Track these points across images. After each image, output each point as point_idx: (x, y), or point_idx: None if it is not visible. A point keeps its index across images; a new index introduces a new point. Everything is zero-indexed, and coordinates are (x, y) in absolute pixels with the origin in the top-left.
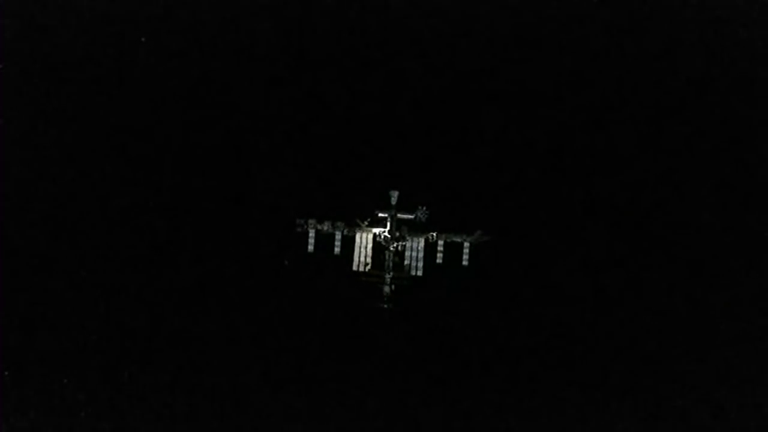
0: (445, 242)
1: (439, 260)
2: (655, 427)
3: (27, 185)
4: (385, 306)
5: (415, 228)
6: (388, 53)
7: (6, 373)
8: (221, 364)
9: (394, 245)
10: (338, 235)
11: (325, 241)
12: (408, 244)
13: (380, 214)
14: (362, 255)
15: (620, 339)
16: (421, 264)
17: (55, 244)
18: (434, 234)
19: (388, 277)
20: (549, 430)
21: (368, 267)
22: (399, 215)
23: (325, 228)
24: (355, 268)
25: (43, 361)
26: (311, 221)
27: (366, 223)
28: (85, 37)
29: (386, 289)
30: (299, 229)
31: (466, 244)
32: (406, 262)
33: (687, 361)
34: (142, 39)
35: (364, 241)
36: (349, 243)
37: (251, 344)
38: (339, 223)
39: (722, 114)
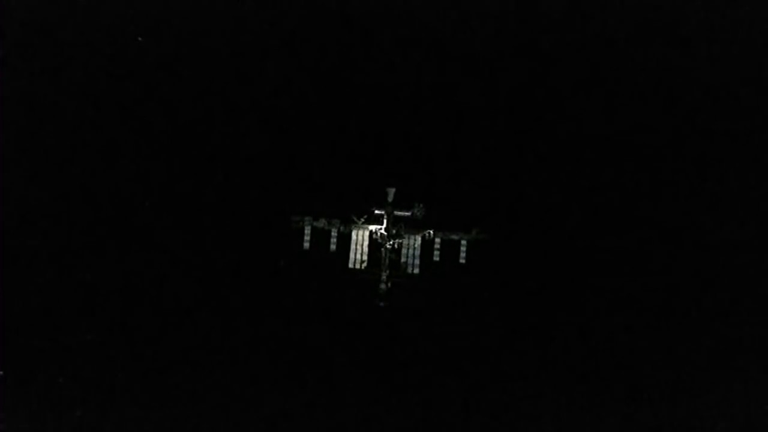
0: (442, 240)
1: (436, 258)
2: (654, 425)
3: (27, 185)
4: (382, 304)
5: (412, 225)
6: (385, 51)
7: (1, 372)
8: (217, 361)
9: (391, 243)
10: (334, 232)
11: (320, 238)
12: (405, 242)
13: (377, 212)
14: (358, 252)
15: (617, 336)
16: (417, 261)
17: (54, 244)
18: (431, 231)
19: (384, 274)
20: (546, 427)
21: (364, 264)
22: (396, 212)
23: (321, 225)
24: (351, 265)
25: (40, 361)
26: (307, 218)
27: (362, 220)
28: (83, 36)
29: (382, 286)
30: (295, 226)
31: (463, 242)
32: (403, 259)
33: (685, 360)
34: (139, 38)
35: (361, 238)
36: (345, 240)
37: (247, 341)
38: (335, 220)
39: (722, 116)
